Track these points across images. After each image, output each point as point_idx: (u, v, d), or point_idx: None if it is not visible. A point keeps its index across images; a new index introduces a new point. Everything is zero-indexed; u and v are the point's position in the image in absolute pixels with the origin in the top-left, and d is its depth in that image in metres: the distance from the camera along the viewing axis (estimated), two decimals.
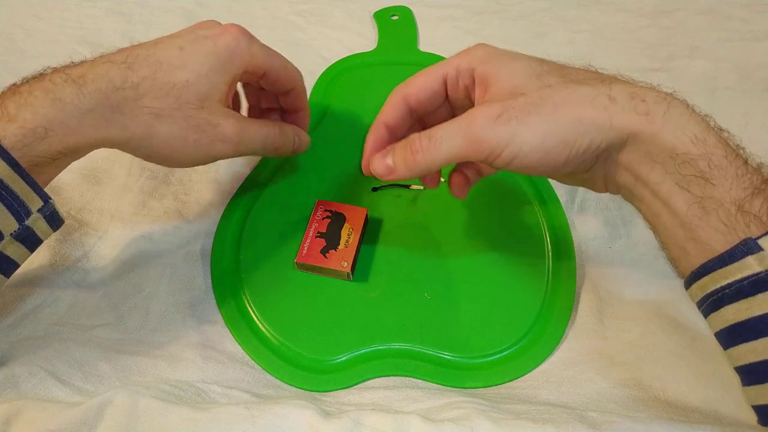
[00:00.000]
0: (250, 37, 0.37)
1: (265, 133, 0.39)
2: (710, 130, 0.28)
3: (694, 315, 0.39)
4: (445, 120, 0.33)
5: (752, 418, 0.34)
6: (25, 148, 0.30)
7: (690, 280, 0.29)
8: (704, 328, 0.38)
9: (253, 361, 0.38)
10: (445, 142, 0.30)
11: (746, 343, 0.27)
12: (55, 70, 0.33)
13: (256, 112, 0.44)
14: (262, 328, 0.39)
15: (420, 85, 0.34)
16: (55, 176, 0.33)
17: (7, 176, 0.29)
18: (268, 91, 0.42)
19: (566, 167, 0.29)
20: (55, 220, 0.33)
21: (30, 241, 0.32)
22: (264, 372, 0.38)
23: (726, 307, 0.27)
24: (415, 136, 0.32)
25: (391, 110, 0.35)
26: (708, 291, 0.28)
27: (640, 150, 0.28)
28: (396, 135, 0.36)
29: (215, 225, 0.44)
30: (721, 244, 0.27)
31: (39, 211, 0.31)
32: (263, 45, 0.38)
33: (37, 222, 0.32)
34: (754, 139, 0.48)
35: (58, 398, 0.33)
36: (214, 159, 0.37)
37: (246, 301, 0.40)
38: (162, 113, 0.33)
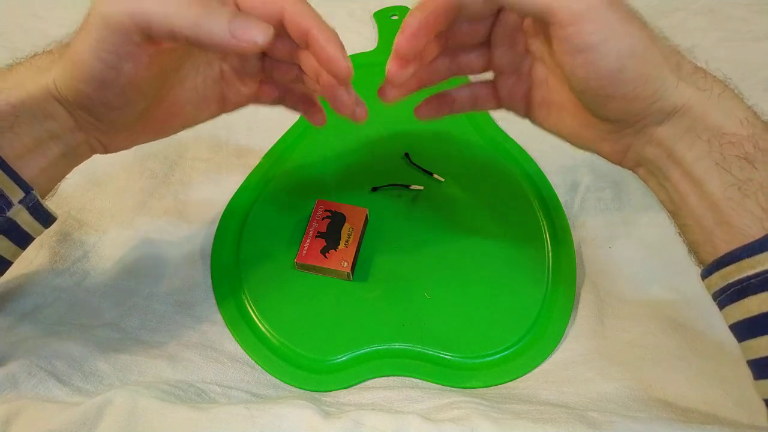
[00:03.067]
0: None
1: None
2: (758, 117, 0.27)
3: (694, 315, 0.39)
4: (476, 53, 0.32)
5: (751, 417, 0.34)
6: None
7: (712, 268, 0.28)
8: (704, 328, 0.38)
9: (253, 361, 0.38)
10: None
11: (766, 336, 0.26)
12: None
13: (274, 88, 0.37)
14: (262, 328, 0.39)
15: None
16: (47, 177, 0.32)
17: None
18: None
19: (621, 102, 0.27)
20: (40, 213, 0.32)
21: (15, 234, 0.31)
22: (264, 372, 0.38)
23: (750, 297, 0.26)
24: None
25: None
26: (731, 280, 0.27)
27: (683, 125, 0.28)
28: (438, 27, 0.31)
29: (215, 225, 0.44)
30: (755, 230, 0.26)
31: (20, 202, 0.31)
32: None
33: (20, 214, 0.31)
34: None
35: (58, 398, 0.33)
36: (118, 46, 0.27)
37: (246, 301, 0.40)
38: (77, 31, 0.29)
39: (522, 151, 0.48)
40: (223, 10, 0.27)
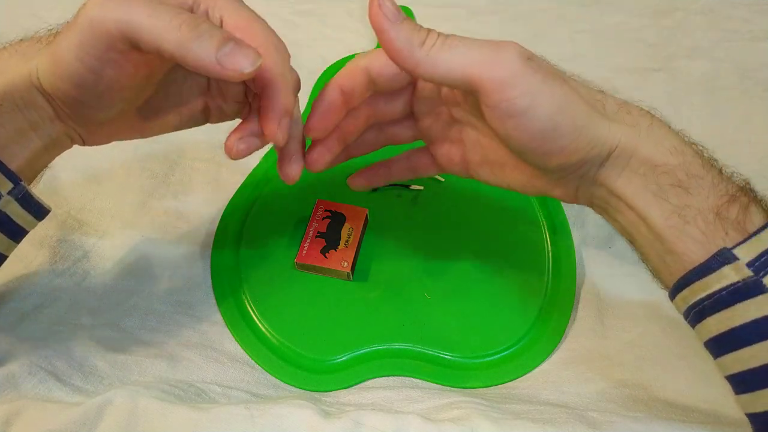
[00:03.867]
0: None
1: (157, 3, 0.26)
2: (686, 144, 0.28)
3: None
4: (402, 125, 0.33)
5: None
6: None
7: (672, 293, 0.29)
8: None
9: (253, 361, 0.38)
10: (464, 49, 0.26)
11: (732, 353, 0.27)
12: None
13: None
14: (262, 328, 0.39)
15: (387, 60, 0.29)
16: (31, 168, 0.32)
17: None
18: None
19: (559, 157, 0.28)
20: (31, 204, 0.32)
21: (7, 227, 0.31)
22: (264, 372, 0.38)
23: (708, 318, 0.27)
24: (431, 31, 0.27)
25: (349, 75, 0.31)
26: (690, 303, 0.28)
27: (620, 163, 0.28)
28: (349, 105, 0.31)
29: (215, 225, 0.44)
30: (699, 255, 0.27)
31: (9, 193, 0.30)
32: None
33: (9, 205, 0.31)
34: (754, 140, 0.48)
35: (58, 398, 0.33)
36: (101, 49, 0.27)
37: (246, 301, 0.40)
38: (63, 29, 0.29)
39: None
40: (213, 33, 0.26)
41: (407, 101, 0.33)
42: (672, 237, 0.27)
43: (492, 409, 0.32)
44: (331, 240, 0.41)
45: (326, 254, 0.41)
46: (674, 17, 0.57)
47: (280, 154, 0.32)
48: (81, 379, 0.35)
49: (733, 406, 0.34)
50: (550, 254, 0.42)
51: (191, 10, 0.28)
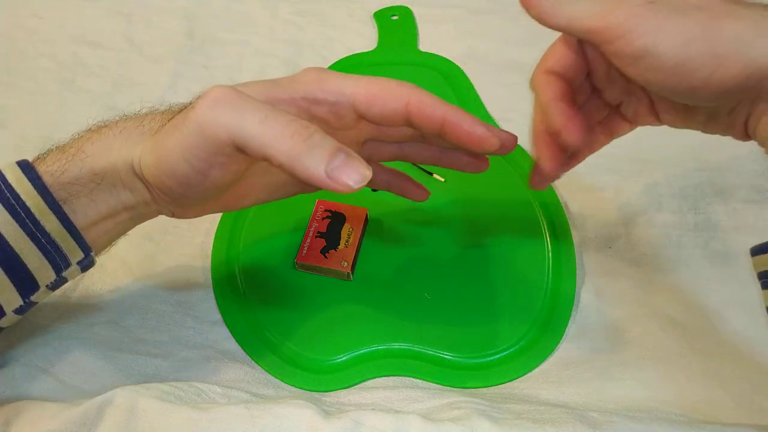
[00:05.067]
0: (224, 96, 0.26)
1: (270, 112, 0.26)
2: None
3: (694, 315, 0.39)
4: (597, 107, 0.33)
5: (752, 417, 0.34)
6: (58, 173, 0.29)
7: None
8: (705, 327, 0.38)
9: (253, 361, 0.38)
10: (588, 1, 0.27)
11: None
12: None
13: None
14: (262, 328, 0.39)
15: (558, 54, 0.31)
16: (104, 240, 0.32)
17: (56, 231, 0.29)
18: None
19: (706, 90, 0.26)
20: (89, 267, 0.32)
21: (58, 286, 0.32)
22: (264, 372, 0.38)
23: None
24: None
25: (549, 78, 0.31)
26: None
27: None
28: (573, 86, 0.32)
29: (215, 225, 0.44)
30: None
31: (78, 263, 0.31)
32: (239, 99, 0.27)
33: (73, 272, 0.31)
34: None
35: (58, 398, 0.33)
36: (207, 153, 0.27)
37: (246, 301, 0.40)
38: (170, 127, 0.28)
39: (522, 151, 0.48)
40: (324, 145, 0.25)
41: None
42: None
43: (492, 409, 0.32)
44: (331, 240, 0.41)
45: (326, 254, 0.41)
46: None
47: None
48: (81, 379, 0.35)
49: (732, 407, 0.34)
50: (550, 254, 0.42)
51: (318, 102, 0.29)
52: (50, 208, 0.29)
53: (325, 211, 0.42)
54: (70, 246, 0.30)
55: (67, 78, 0.54)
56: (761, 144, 0.29)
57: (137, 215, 0.33)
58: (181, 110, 0.29)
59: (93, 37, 0.58)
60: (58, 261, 0.30)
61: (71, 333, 0.37)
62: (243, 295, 0.41)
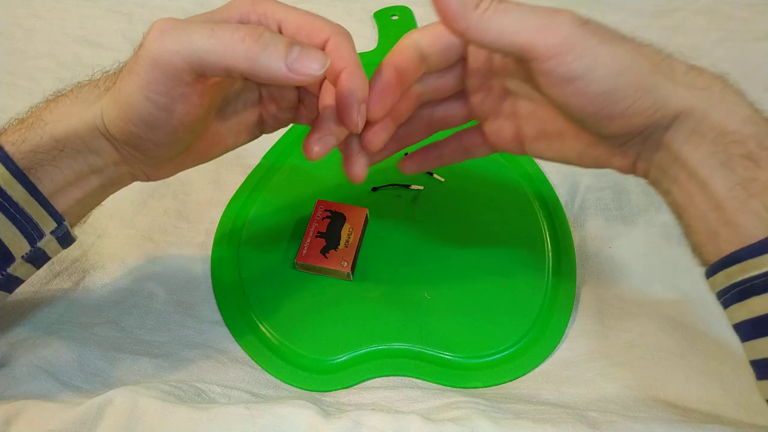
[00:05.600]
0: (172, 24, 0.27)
1: (216, 26, 0.26)
2: (761, 115, 0.27)
3: (695, 314, 0.39)
4: (453, 104, 0.32)
5: (752, 417, 0.34)
6: (19, 143, 0.29)
7: (716, 267, 0.28)
8: (705, 327, 0.38)
9: (253, 361, 0.38)
10: (518, 15, 0.26)
11: None
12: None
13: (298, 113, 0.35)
14: (262, 328, 0.39)
15: (437, 33, 0.30)
16: (76, 207, 0.32)
17: (24, 200, 0.29)
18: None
19: (621, 120, 0.27)
20: (66, 240, 0.32)
21: (39, 260, 0.32)
22: (264, 372, 0.38)
23: (754, 297, 0.26)
24: None
25: (401, 52, 0.30)
26: (736, 280, 0.27)
27: (688, 127, 0.27)
28: (404, 83, 0.31)
29: (215, 225, 0.44)
30: (760, 231, 0.26)
31: (52, 233, 0.31)
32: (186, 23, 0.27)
33: (49, 243, 0.31)
34: None
35: (58, 398, 0.33)
36: (167, 86, 0.27)
37: (246, 301, 0.40)
38: (128, 72, 0.28)
39: None
40: (277, 42, 0.26)
41: (459, 76, 0.32)
42: (733, 208, 0.26)
43: (492, 409, 0.32)
44: (331, 240, 0.41)
45: (326, 254, 0.41)
46: (674, 17, 0.58)
47: (348, 152, 0.33)
48: (81, 379, 0.35)
49: (732, 407, 0.34)
50: (550, 254, 0.42)
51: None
52: (14, 176, 0.28)
53: (325, 211, 0.42)
54: (40, 214, 0.30)
55: (67, 78, 0.54)
56: (641, 176, 0.31)
57: (108, 181, 0.32)
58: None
59: (93, 37, 0.58)
60: (29, 230, 0.30)
61: (71, 333, 0.37)
62: (243, 295, 0.41)
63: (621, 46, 0.26)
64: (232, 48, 0.25)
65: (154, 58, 0.26)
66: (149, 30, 0.26)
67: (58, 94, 0.31)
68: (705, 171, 0.27)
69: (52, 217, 0.30)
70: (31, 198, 0.29)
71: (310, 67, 0.26)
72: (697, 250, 0.29)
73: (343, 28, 0.29)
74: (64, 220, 0.31)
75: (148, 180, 0.33)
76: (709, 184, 0.27)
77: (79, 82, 0.31)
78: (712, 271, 0.28)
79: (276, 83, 0.27)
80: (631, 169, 0.31)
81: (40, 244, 0.31)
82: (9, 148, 0.29)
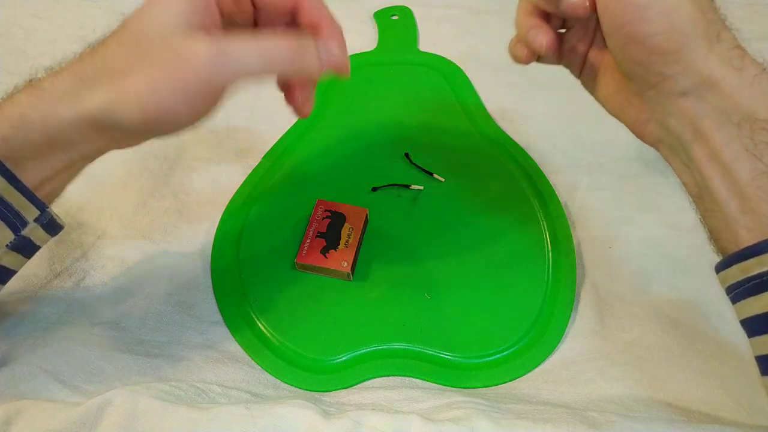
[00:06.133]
0: None
1: (262, 47, 0.29)
2: None
3: (695, 314, 0.39)
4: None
5: (752, 417, 0.34)
6: (3, 143, 0.28)
7: (731, 261, 0.27)
8: (705, 327, 0.38)
9: (253, 361, 0.38)
10: None
11: None
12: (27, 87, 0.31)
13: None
14: (262, 328, 0.39)
15: None
16: (60, 187, 0.32)
17: (3, 189, 0.29)
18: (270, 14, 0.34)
19: (637, 47, 0.27)
20: (53, 227, 0.32)
21: (27, 249, 0.32)
22: (264, 372, 0.38)
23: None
24: None
25: None
26: (751, 273, 0.26)
27: (712, 102, 0.27)
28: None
29: (215, 225, 0.44)
30: None
31: (36, 220, 0.31)
32: None
33: (34, 231, 0.31)
34: None
35: (58, 398, 0.33)
36: (210, 98, 0.29)
37: (246, 301, 0.40)
38: (126, 70, 0.28)
39: (522, 151, 0.48)
40: (309, 45, 0.30)
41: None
42: (757, 198, 0.26)
43: (492, 409, 0.32)
44: (331, 240, 0.41)
45: (326, 254, 0.41)
46: None
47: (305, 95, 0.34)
48: (81, 379, 0.35)
49: (732, 407, 0.34)
50: (550, 254, 0.42)
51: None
52: None
53: (325, 211, 0.42)
54: (21, 202, 0.30)
55: None
56: (653, 142, 0.31)
57: (88, 158, 0.32)
58: (121, 43, 0.29)
59: (93, 37, 0.57)
60: (11, 219, 0.30)
61: (71, 333, 0.37)
62: (243, 295, 0.41)
63: None
64: (279, 62, 0.29)
65: (209, 80, 0.28)
66: (192, 49, 0.28)
67: (35, 85, 0.30)
68: (728, 154, 0.27)
69: (34, 205, 0.30)
70: (10, 186, 0.29)
71: (335, 55, 0.31)
72: (714, 236, 0.29)
73: None
74: (47, 207, 0.31)
75: (119, 148, 0.32)
76: (731, 169, 0.27)
77: (51, 69, 0.31)
78: (725, 264, 0.28)
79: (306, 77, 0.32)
80: (642, 130, 0.31)
81: (24, 233, 0.30)
82: None
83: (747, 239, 0.27)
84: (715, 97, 0.27)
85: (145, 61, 0.28)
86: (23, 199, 0.30)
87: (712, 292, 0.39)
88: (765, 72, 0.27)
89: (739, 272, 0.27)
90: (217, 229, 0.44)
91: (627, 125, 0.32)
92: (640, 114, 0.30)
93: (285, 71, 0.31)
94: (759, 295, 0.26)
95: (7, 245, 0.30)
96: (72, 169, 0.32)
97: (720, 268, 0.28)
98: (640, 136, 0.31)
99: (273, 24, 0.34)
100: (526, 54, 0.33)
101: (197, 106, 0.29)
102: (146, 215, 0.44)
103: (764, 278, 0.26)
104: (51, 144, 0.29)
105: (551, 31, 0.31)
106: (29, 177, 0.30)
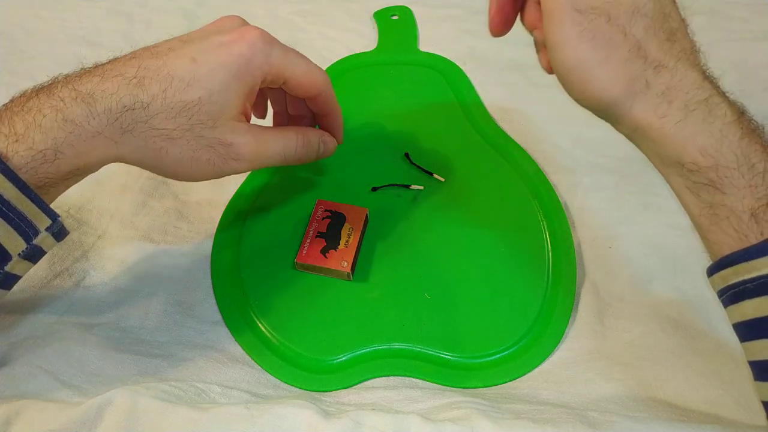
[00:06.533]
0: (269, 42, 0.34)
1: (284, 144, 0.36)
2: (725, 140, 0.27)
3: (695, 315, 0.39)
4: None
5: (752, 417, 0.34)
6: (32, 171, 0.29)
7: (713, 269, 0.29)
8: (705, 327, 0.38)
9: (253, 361, 0.38)
10: None
11: (763, 339, 0.26)
12: (65, 80, 0.31)
13: (282, 118, 0.42)
14: (262, 328, 0.39)
15: None
16: (64, 192, 0.33)
17: (15, 198, 0.29)
18: (294, 96, 0.39)
19: (577, 96, 0.30)
20: (61, 234, 0.33)
21: (36, 256, 0.32)
22: (264, 372, 0.38)
23: (746, 301, 0.27)
24: None
25: None
26: (729, 283, 0.27)
27: (649, 147, 0.29)
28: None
29: (215, 225, 0.44)
30: (730, 248, 0.27)
31: (47, 229, 0.31)
32: (284, 49, 0.35)
33: (45, 240, 0.31)
34: None
35: (58, 398, 0.33)
36: (228, 175, 0.35)
37: (246, 301, 0.40)
38: (173, 135, 0.32)
39: (522, 151, 0.48)
40: (314, 140, 0.39)
41: None
42: (706, 227, 0.28)
43: (492, 409, 0.32)
44: (331, 240, 0.41)
45: (326, 254, 0.41)
46: None
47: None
48: (81, 380, 0.35)
49: (732, 407, 0.34)
50: (550, 254, 0.42)
51: (265, 80, 0.35)
52: (4, 174, 0.28)
53: (325, 211, 0.42)
54: (34, 212, 0.30)
55: None
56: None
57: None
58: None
59: (93, 37, 0.58)
60: (24, 228, 0.30)
61: (71, 333, 0.37)
62: (243, 295, 0.41)
63: (601, 47, 0.28)
64: (293, 156, 0.37)
65: (240, 171, 0.35)
66: (240, 150, 0.34)
67: (72, 119, 0.30)
68: (676, 189, 0.29)
69: (46, 214, 0.31)
70: (23, 196, 0.29)
71: (329, 149, 0.40)
72: (704, 244, 0.30)
73: (328, 79, 0.38)
74: (59, 216, 0.31)
75: None
76: (682, 200, 0.29)
77: (80, 90, 0.31)
78: (710, 271, 0.29)
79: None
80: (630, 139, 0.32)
81: (36, 241, 0.31)
82: (22, 175, 0.29)
83: (720, 253, 0.28)
84: (648, 142, 0.29)
85: (194, 138, 0.32)
86: (35, 208, 0.30)
87: (712, 292, 0.39)
88: (693, 112, 0.28)
89: (720, 281, 0.28)
90: (217, 229, 0.44)
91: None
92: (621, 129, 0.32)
93: (293, 161, 0.38)
94: (738, 304, 0.27)
95: (19, 254, 0.30)
96: (78, 179, 0.33)
97: (708, 274, 0.29)
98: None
99: (293, 108, 0.41)
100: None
101: (212, 177, 0.35)
102: (146, 215, 0.44)
103: (740, 288, 0.27)
104: (74, 172, 0.31)
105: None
106: (45, 195, 0.31)
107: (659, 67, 0.28)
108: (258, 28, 0.34)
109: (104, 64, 0.32)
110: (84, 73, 0.32)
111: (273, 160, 0.36)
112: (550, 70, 0.32)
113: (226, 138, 0.33)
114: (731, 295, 0.28)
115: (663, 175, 0.30)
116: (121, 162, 0.33)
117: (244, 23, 0.36)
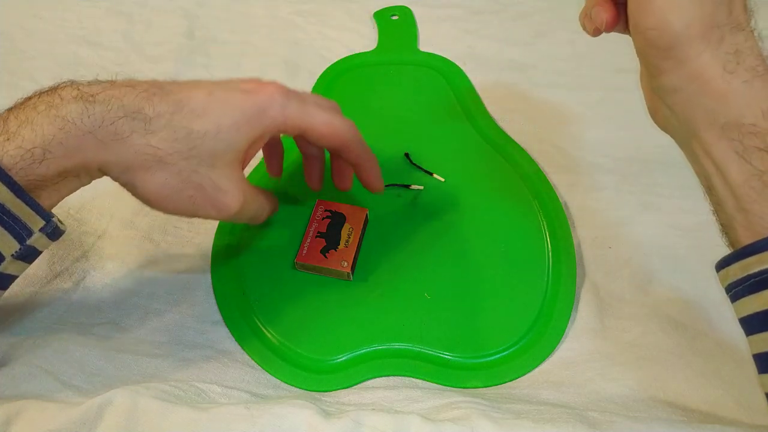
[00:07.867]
0: (286, 94, 0.34)
1: (258, 207, 0.37)
2: None
3: (695, 315, 0.39)
4: None
5: (752, 417, 0.34)
6: (22, 171, 0.29)
7: (731, 259, 0.28)
8: (705, 327, 0.38)
9: (253, 361, 0.38)
10: None
11: None
12: (73, 83, 0.31)
13: (313, 162, 0.42)
14: (262, 328, 0.39)
15: None
16: (62, 199, 0.32)
17: (8, 200, 0.28)
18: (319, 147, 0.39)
19: (640, 36, 0.28)
20: (56, 233, 0.32)
21: (30, 256, 0.32)
22: (264, 372, 0.38)
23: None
24: None
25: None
26: (752, 271, 0.26)
27: (703, 102, 0.27)
28: None
29: (215, 225, 0.44)
30: None
31: (41, 230, 0.31)
32: (302, 101, 0.34)
33: (39, 240, 0.31)
34: None
35: (58, 398, 0.33)
36: (197, 217, 0.34)
37: (246, 301, 0.40)
38: (167, 159, 0.31)
39: (522, 151, 0.48)
40: (275, 208, 0.41)
41: None
42: (750, 199, 0.26)
43: (492, 409, 0.32)
44: (331, 240, 0.41)
45: (326, 254, 0.41)
46: None
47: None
48: (81, 380, 0.35)
49: (732, 406, 0.34)
50: (550, 254, 0.42)
51: (281, 131, 0.35)
52: None
53: (325, 211, 0.42)
54: (27, 213, 0.30)
55: (67, 78, 0.54)
56: (663, 126, 0.31)
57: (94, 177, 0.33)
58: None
59: (93, 37, 0.58)
60: (17, 230, 0.30)
61: (71, 334, 0.37)
62: (243, 295, 0.41)
63: None
64: (257, 217, 0.38)
65: (221, 219, 0.37)
66: (228, 200, 0.34)
67: (66, 119, 0.29)
68: (718, 154, 0.27)
69: (40, 216, 0.30)
70: (16, 197, 0.29)
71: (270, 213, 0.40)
72: (723, 230, 0.29)
73: (353, 130, 0.37)
74: (53, 217, 0.31)
75: None
76: (723, 169, 0.27)
77: (97, 78, 0.31)
78: (725, 262, 0.28)
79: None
80: (655, 115, 0.31)
81: (29, 242, 0.31)
82: (13, 174, 0.29)
83: (744, 237, 0.27)
84: (704, 97, 0.27)
85: (187, 169, 0.32)
86: (29, 210, 0.30)
87: (712, 292, 0.39)
88: (758, 77, 0.27)
89: (739, 270, 0.27)
90: (217, 229, 0.44)
91: (647, 107, 0.32)
92: (652, 101, 0.31)
93: (247, 222, 0.40)
94: (759, 293, 0.27)
95: (12, 255, 0.30)
96: (71, 185, 0.32)
97: (720, 266, 0.29)
98: (654, 121, 0.32)
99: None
100: (592, 28, 0.33)
101: (180, 214, 0.34)
102: (146, 215, 0.44)
103: (764, 276, 0.26)
104: (63, 174, 0.30)
105: (613, 8, 0.31)
106: (26, 186, 0.30)
107: (737, 27, 0.27)
108: (277, 82, 0.34)
109: (121, 78, 0.32)
110: (95, 81, 0.31)
111: (242, 220, 0.38)
112: (594, 32, 0.32)
113: (221, 183, 0.33)
114: (752, 285, 0.27)
115: (700, 140, 0.28)
116: (104, 172, 0.31)
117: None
